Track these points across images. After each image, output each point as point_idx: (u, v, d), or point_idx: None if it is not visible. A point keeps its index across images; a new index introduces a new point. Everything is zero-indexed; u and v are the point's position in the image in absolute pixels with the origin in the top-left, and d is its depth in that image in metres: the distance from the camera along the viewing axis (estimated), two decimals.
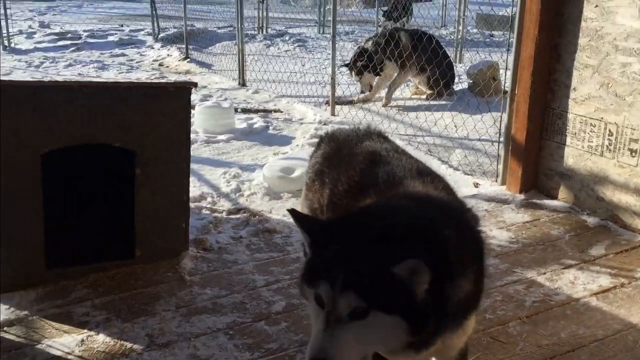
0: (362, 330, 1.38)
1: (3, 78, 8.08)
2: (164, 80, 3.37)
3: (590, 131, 3.54)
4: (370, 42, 6.71)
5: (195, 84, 2.99)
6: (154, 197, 2.97)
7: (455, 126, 5.42)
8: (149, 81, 3.09)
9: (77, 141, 2.75)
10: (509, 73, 3.96)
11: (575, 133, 3.63)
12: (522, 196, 3.87)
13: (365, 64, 6.58)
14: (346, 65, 6.86)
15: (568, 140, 3.68)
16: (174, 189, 3.03)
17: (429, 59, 6.42)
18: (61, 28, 12.51)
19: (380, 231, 1.45)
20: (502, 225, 3.48)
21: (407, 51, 6.46)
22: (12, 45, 10.36)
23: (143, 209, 2.96)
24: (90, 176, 3.25)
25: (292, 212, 1.61)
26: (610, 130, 3.43)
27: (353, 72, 6.76)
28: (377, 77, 6.76)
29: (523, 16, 3.71)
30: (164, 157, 2.96)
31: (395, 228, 1.46)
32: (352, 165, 2.00)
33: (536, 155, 3.87)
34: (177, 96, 2.92)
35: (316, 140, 5.10)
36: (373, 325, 1.38)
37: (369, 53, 6.59)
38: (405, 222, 1.49)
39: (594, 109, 3.51)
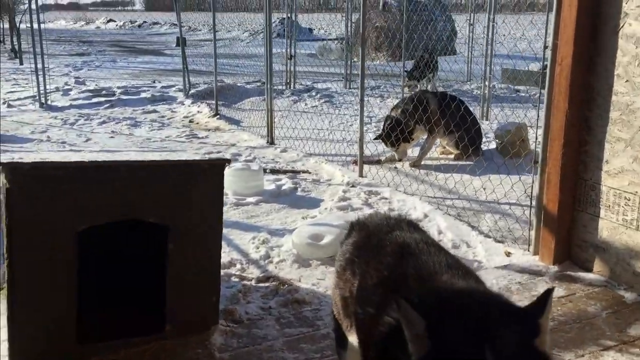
0: None
1: (39, 136, 8.35)
2: (198, 157, 3.46)
3: (625, 204, 3.48)
4: (399, 110, 6.77)
5: (228, 161, 3.05)
6: (185, 271, 2.99)
7: (484, 188, 5.39)
8: (183, 159, 3.16)
9: (112, 218, 2.80)
10: (540, 135, 3.94)
11: (609, 206, 3.58)
12: (555, 268, 3.79)
13: (397, 136, 6.64)
14: (379, 137, 6.92)
15: (602, 212, 3.63)
16: (205, 263, 3.05)
17: (457, 124, 6.45)
18: (96, 85, 12.91)
19: (484, 305, 1.50)
20: None
21: (436, 116, 6.51)
22: (49, 102, 10.70)
23: (174, 283, 2.97)
24: (120, 249, 3.29)
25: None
26: None
27: (388, 144, 6.80)
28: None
29: (552, 89, 3.72)
30: (196, 231, 2.99)
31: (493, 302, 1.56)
32: (380, 258, 1.99)
33: (569, 227, 3.81)
34: (211, 172, 2.97)
35: (344, 203, 5.22)
36: None
37: (399, 121, 6.64)
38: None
39: (628, 182, 3.46)
